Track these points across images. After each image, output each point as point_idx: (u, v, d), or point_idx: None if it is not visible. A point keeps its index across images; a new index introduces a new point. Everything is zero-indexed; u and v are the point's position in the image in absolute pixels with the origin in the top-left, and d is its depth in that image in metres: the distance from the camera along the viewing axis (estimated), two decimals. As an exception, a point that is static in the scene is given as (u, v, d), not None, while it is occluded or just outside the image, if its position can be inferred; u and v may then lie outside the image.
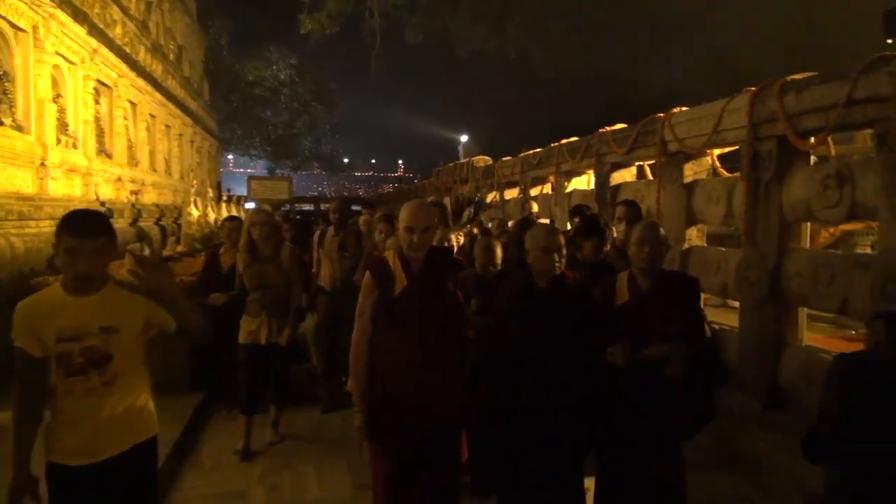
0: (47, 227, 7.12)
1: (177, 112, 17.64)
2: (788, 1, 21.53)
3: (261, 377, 4.43)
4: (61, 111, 9.22)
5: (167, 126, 16.60)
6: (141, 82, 13.66)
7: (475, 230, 5.87)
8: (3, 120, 7.43)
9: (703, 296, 4.28)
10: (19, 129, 7.83)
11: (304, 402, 5.27)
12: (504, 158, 10.41)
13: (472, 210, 6.95)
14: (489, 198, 10.16)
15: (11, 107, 7.77)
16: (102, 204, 9.71)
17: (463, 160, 13.63)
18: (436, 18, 22.57)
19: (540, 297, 2.78)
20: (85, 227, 2.02)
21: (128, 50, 12.58)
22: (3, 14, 7.52)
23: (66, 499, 2.11)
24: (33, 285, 4.81)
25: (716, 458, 4.07)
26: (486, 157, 11.86)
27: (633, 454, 2.78)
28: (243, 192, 25.71)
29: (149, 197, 13.67)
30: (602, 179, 6.92)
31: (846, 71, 3.51)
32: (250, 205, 20.86)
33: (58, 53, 9.00)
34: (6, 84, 7.72)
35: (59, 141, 8.92)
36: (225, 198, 17.41)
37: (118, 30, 11.97)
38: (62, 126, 9.18)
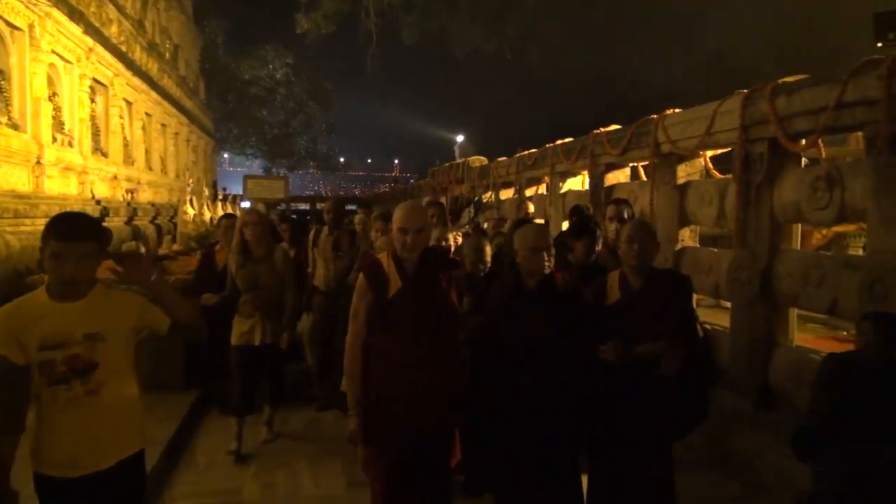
0: (42, 226, 7.10)
1: (172, 111, 17.63)
2: (788, 1, 21.59)
3: (254, 379, 4.36)
4: (57, 110, 9.23)
5: (163, 125, 16.58)
6: (137, 81, 13.65)
7: (470, 230, 5.88)
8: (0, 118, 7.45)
9: (695, 296, 4.31)
10: (15, 127, 7.83)
11: (299, 401, 5.26)
12: (499, 159, 10.41)
13: (471, 210, 6.95)
14: (485, 198, 10.16)
15: (7, 105, 7.77)
16: (98, 202, 9.71)
17: (459, 160, 13.64)
18: (432, 18, 22.60)
19: (529, 297, 2.77)
20: (72, 230, 1.96)
21: (124, 49, 12.58)
22: (0, 12, 7.53)
23: None
24: (28, 283, 4.82)
25: (707, 458, 4.09)
26: (482, 158, 11.85)
27: (625, 453, 2.79)
28: (239, 191, 25.72)
29: (144, 195, 13.67)
30: (596, 180, 6.93)
31: (843, 73, 3.53)
32: (246, 204, 20.84)
33: (54, 52, 9.00)
34: (2, 82, 7.73)
35: (54, 139, 8.92)
36: (221, 196, 17.38)
37: (114, 28, 11.97)
38: (58, 124, 9.18)
